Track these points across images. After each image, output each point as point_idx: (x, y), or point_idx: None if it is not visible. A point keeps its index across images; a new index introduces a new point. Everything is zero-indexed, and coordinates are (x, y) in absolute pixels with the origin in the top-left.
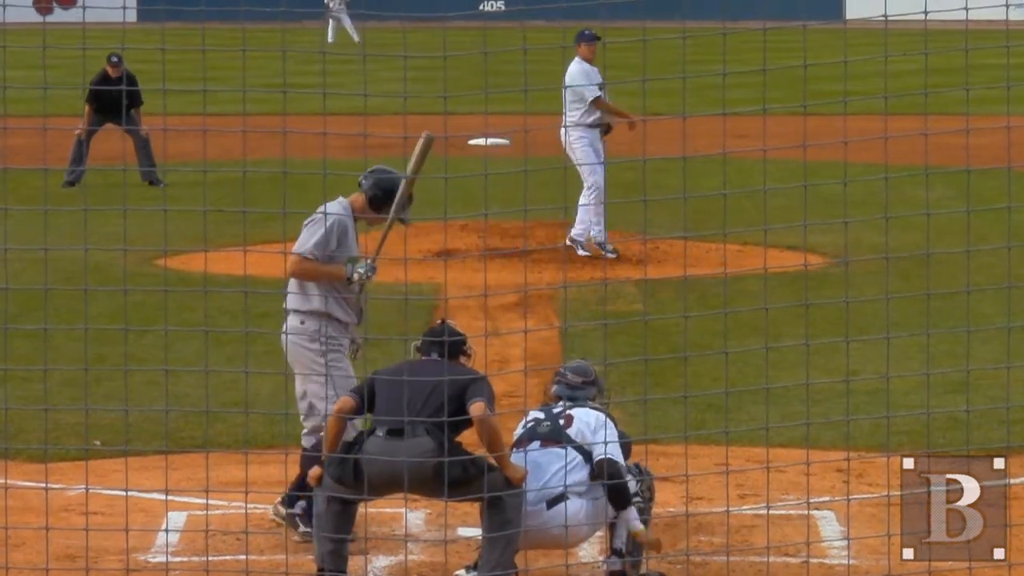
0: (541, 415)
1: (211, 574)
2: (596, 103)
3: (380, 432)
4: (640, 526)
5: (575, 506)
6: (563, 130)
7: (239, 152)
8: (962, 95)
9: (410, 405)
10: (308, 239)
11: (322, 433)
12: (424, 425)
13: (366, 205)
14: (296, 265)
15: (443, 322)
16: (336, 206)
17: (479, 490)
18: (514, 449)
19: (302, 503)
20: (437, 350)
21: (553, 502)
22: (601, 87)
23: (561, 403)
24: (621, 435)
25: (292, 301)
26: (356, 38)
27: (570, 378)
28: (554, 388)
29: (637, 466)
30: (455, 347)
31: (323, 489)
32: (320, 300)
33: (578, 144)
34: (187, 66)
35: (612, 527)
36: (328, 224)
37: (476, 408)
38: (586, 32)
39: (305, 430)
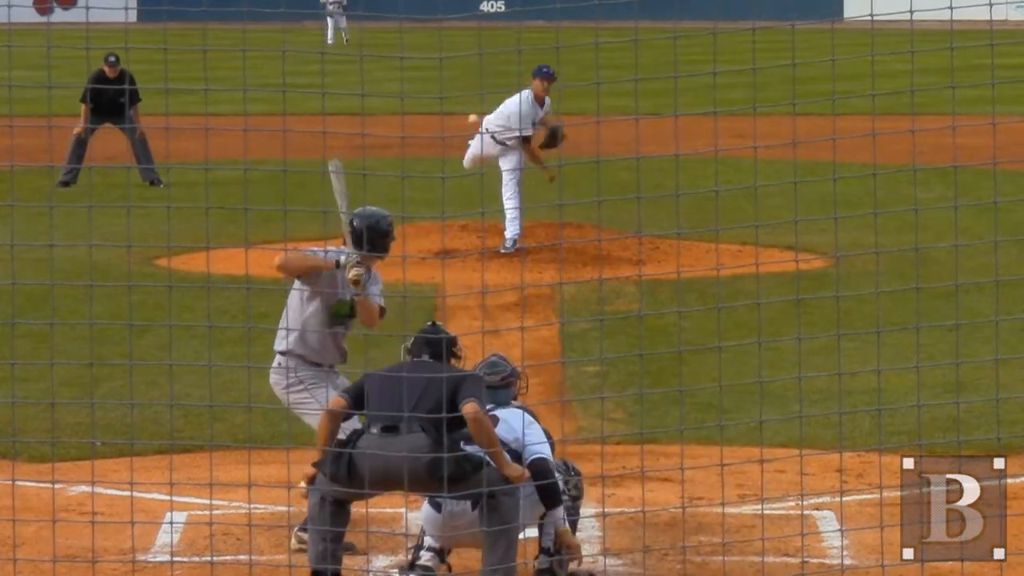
0: None
1: (212, 574)
2: (524, 143)
3: (374, 429)
4: (564, 525)
5: None
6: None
7: (237, 152)
8: (950, 97)
9: (403, 404)
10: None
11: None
12: (419, 422)
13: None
14: (281, 255)
15: (433, 324)
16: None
17: (475, 487)
18: None
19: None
20: (428, 351)
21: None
22: (535, 123)
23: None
24: (544, 432)
25: (275, 342)
26: (337, 39)
27: (488, 379)
28: None
29: (565, 463)
30: (446, 348)
31: (317, 488)
32: (296, 340)
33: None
34: (186, 66)
35: (542, 526)
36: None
37: (469, 407)
38: (544, 69)
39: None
